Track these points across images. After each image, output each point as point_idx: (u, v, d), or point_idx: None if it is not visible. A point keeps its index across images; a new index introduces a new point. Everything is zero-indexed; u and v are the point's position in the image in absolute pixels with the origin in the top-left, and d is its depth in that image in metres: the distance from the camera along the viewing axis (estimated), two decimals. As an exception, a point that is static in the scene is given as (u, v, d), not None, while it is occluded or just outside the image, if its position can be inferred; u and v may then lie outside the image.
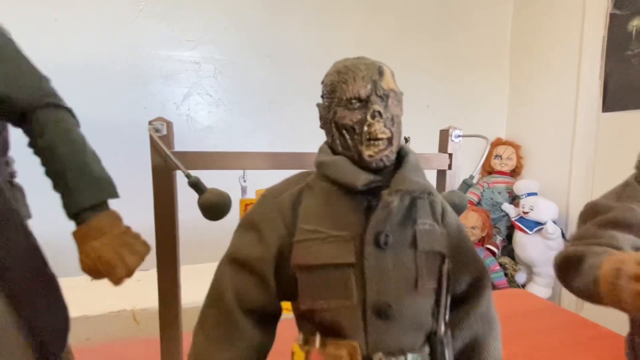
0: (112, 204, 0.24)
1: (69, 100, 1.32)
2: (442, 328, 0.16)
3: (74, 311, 0.38)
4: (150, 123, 0.27)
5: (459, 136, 0.34)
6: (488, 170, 2.09)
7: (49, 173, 0.20)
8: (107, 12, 1.53)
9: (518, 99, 2.04)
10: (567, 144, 1.82)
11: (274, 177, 0.34)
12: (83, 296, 0.71)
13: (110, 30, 1.54)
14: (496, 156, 2.04)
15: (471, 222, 1.86)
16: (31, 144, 0.20)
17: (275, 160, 0.32)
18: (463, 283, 0.17)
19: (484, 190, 2.03)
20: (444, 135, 0.34)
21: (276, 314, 0.17)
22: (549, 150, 1.96)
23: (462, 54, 2.01)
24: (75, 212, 0.18)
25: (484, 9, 2.00)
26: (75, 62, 1.49)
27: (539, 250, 1.63)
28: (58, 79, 1.41)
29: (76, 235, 0.18)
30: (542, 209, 1.67)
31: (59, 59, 1.45)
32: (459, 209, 0.29)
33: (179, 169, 0.26)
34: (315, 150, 0.19)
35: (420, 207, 0.17)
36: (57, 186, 0.19)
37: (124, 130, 1.57)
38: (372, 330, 0.15)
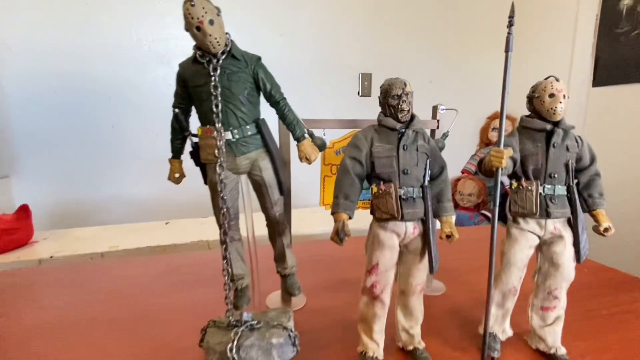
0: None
1: (102, 78, 1.67)
2: (426, 182, 0.48)
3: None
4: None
5: (443, 109, 0.65)
6: (485, 141, 2.37)
7: (285, 124, 0.50)
8: (134, -4, 1.72)
9: (515, 74, 2.29)
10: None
11: (340, 132, 0.65)
12: (179, 233, 1.06)
13: (137, 12, 1.74)
14: (493, 128, 2.31)
15: (468, 190, 2.17)
16: (278, 113, 0.50)
17: (340, 123, 0.62)
18: (435, 167, 0.49)
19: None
20: (435, 109, 0.66)
21: (364, 178, 0.48)
22: (542, 123, 2.19)
23: (463, 33, 2.24)
24: (297, 138, 0.49)
25: (485, -11, 2.21)
26: (106, 43, 1.70)
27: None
28: (90, 59, 1.72)
29: (298, 146, 0.49)
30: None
31: (91, 41, 1.67)
32: (440, 148, 0.60)
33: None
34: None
35: (419, 136, 0.47)
36: (289, 129, 0.50)
37: (151, 106, 1.82)
38: (401, 179, 0.47)
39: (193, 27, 0.40)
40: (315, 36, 2.01)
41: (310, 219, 1.37)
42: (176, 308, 0.66)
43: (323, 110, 1.99)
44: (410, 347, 0.51)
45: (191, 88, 0.44)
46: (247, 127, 0.45)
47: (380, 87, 0.48)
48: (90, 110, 1.73)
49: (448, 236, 0.48)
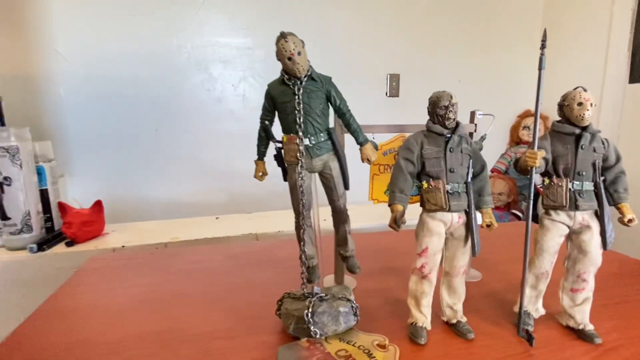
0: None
1: (144, 84, 1.90)
2: (469, 179, 0.58)
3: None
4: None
5: (480, 114, 0.75)
6: (516, 140, 2.40)
7: (350, 131, 0.61)
8: (175, 7, 1.88)
9: (547, 72, 2.31)
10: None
11: (386, 136, 0.76)
12: (234, 225, 1.20)
13: (177, 23, 1.90)
14: (524, 127, 2.34)
15: (498, 189, 2.21)
16: (344, 122, 0.62)
17: (388, 128, 0.73)
18: (477, 166, 0.59)
19: (511, 160, 2.36)
20: (472, 114, 0.76)
21: (415, 176, 0.59)
22: (575, 121, 2.20)
23: (490, 31, 2.28)
24: (360, 142, 0.61)
25: (516, -13, 2.24)
26: (149, 52, 1.88)
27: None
28: (135, 66, 1.95)
29: (361, 149, 0.61)
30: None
31: (136, 50, 1.85)
32: (478, 149, 0.70)
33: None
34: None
35: (463, 140, 0.57)
36: (353, 135, 0.61)
37: (190, 110, 1.98)
38: (448, 176, 0.57)
39: (285, 58, 0.52)
40: (343, 39, 2.11)
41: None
42: (244, 285, 0.79)
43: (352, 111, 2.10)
44: (454, 321, 0.61)
45: (278, 104, 0.56)
46: (321, 134, 0.57)
47: (429, 99, 0.59)
48: (135, 115, 1.92)
49: (488, 225, 0.58)
